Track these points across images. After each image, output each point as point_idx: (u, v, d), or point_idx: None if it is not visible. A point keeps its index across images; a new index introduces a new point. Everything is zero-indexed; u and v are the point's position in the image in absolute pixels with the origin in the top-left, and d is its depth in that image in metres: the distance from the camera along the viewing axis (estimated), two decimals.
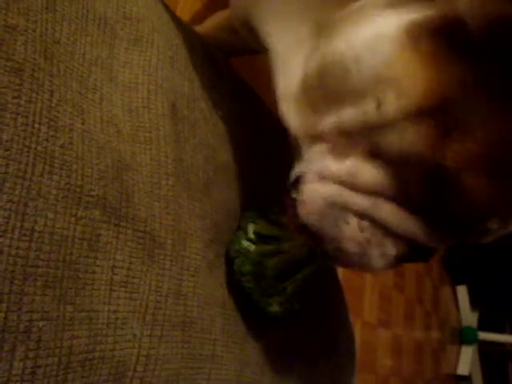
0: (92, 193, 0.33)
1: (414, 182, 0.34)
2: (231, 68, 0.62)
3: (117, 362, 0.32)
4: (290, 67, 0.41)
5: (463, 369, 2.82)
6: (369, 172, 0.35)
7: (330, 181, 0.37)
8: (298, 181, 0.39)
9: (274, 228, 0.47)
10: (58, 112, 0.32)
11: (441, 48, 0.31)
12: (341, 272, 0.74)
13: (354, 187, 0.36)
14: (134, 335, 0.34)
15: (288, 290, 0.46)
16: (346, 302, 0.72)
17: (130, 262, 0.34)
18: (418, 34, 0.31)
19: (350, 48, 0.34)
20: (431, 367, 2.42)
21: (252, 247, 0.46)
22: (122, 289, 0.34)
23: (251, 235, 0.46)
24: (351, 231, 0.37)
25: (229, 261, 0.46)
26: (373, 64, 0.33)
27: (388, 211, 0.35)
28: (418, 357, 2.24)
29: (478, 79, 0.31)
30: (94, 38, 0.39)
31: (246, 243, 0.46)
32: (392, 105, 0.32)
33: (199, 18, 0.76)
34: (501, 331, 3.00)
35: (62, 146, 0.31)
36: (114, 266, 0.33)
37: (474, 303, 2.91)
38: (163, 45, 0.47)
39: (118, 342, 0.32)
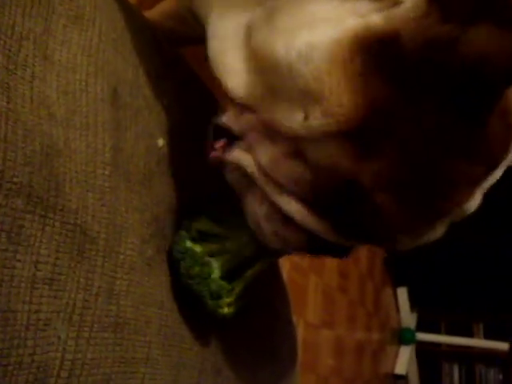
0: (15, 179, 0.29)
1: (327, 190, 0.35)
2: (180, 57, 0.59)
3: (36, 368, 0.29)
4: (229, 23, 0.40)
5: (401, 368, 2.89)
6: (287, 168, 0.36)
7: (252, 159, 0.38)
8: (229, 141, 0.41)
9: (216, 226, 0.45)
10: None
11: (370, 69, 0.31)
12: (285, 272, 0.72)
13: (270, 175, 0.37)
14: (59, 337, 0.31)
15: (236, 290, 0.44)
16: (290, 302, 0.71)
17: (57, 258, 0.31)
18: (349, 51, 0.31)
19: (285, 54, 0.34)
20: (371, 367, 2.47)
21: (197, 247, 0.43)
22: (46, 286, 0.30)
23: (194, 233, 0.44)
24: (253, 201, 0.40)
25: (172, 261, 0.44)
26: (303, 74, 0.33)
27: (295, 207, 0.37)
28: (359, 357, 2.28)
29: (400, 105, 0.31)
30: (26, 9, 0.35)
31: (189, 243, 0.44)
32: (317, 121, 0.33)
33: (148, 2, 0.72)
34: (437, 332, 3.10)
35: None
36: (37, 261, 0.30)
37: (413, 305, 2.99)
38: (106, 25, 0.44)
39: (38, 346, 0.29)
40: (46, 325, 0.30)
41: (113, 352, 0.35)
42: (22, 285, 0.29)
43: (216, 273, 0.43)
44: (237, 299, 0.45)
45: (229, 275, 0.44)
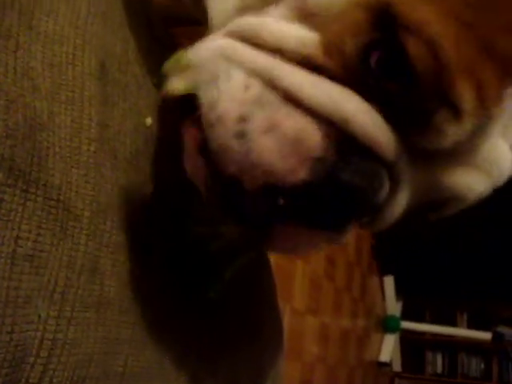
0: None
1: (351, 42, 0.27)
2: (171, 35, 0.58)
3: (14, 347, 0.28)
4: None
5: (385, 356, 2.93)
6: (292, 31, 0.27)
7: (228, 35, 0.29)
8: None
9: (209, 210, 0.45)
10: None
11: None
12: (272, 257, 0.72)
13: (259, 44, 0.28)
14: (39, 316, 0.30)
15: (226, 277, 0.44)
16: (276, 288, 0.71)
17: (38, 234, 0.30)
18: None
19: None
20: (355, 354, 2.49)
21: (200, 229, 0.43)
22: (27, 263, 0.29)
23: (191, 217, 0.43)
24: (232, 89, 0.27)
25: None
26: None
27: (306, 80, 0.26)
28: (344, 344, 2.30)
29: None
30: None
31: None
32: None
33: None
34: (421, 321, 3.14)
35: None
36: (17, 237, 0.29)
37: (399, 293, 3.02)
38: None
39: (17, 324, 0.28)
40: (25, 302, 0.29)
41: (95, 332, 0.35)
42: (1, 260, 0.28)
43: (211, 256, 0.43)
44: (225, 285, 0.44)
45: (221, 261, 0.44)
